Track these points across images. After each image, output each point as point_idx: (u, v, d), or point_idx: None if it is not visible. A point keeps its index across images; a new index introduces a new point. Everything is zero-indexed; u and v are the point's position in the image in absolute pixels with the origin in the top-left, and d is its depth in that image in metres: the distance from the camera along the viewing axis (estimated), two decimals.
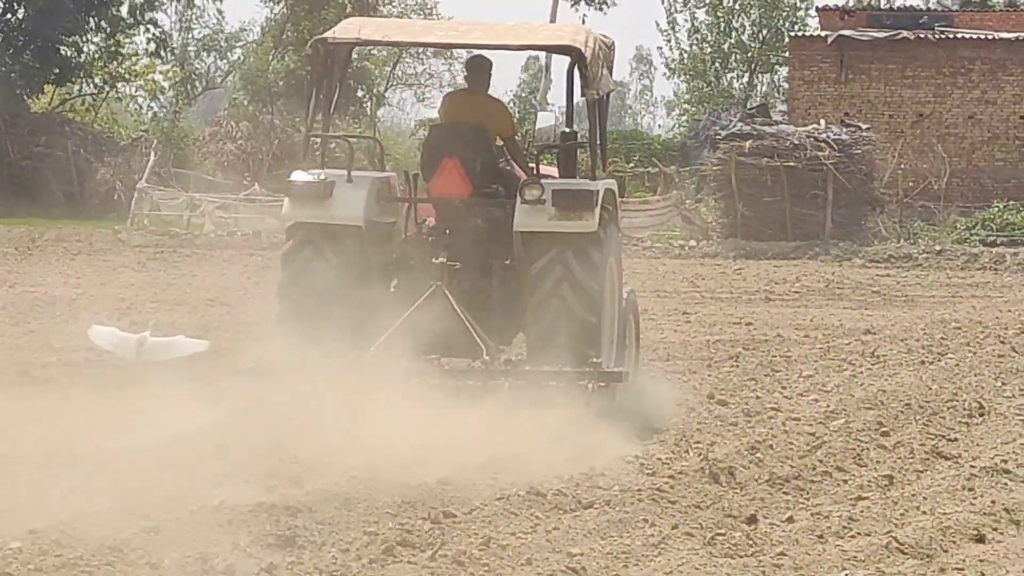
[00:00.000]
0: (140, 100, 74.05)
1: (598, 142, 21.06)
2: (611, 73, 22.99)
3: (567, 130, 21.90)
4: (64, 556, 11.74)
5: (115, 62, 73.94)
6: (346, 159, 21.49)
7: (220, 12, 76.64)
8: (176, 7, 74.21)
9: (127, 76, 74.43)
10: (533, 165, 20.27)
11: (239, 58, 73.82)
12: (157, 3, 73.94)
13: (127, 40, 73.99)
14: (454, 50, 25.05)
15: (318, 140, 21.97)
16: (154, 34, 74.19)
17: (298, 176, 19.97)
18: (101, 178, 62.16)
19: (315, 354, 18.35)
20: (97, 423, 18.30)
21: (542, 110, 46.58)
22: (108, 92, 73.23)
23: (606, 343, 19.70)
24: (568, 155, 21.15)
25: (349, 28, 21.66)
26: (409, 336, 18.41)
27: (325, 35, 21.18)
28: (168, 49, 75.15)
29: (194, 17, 75.64)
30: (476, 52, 22.13)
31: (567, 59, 21.27)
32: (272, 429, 17.17)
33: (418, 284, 19.15)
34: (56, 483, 14.62)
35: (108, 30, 71.91)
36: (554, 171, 20.86)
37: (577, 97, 21.82)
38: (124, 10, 72.22)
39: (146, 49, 74.97)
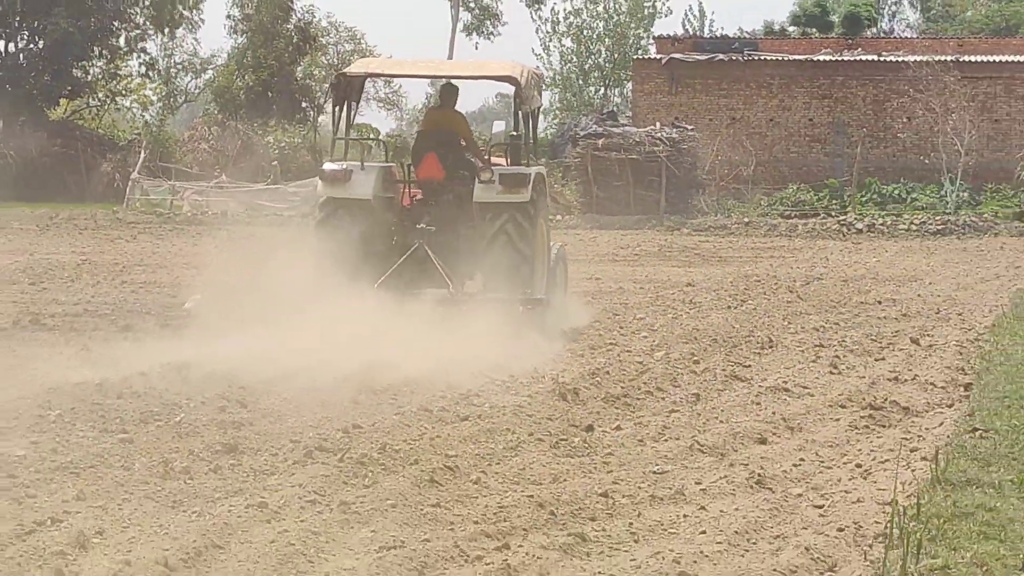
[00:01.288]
0: (134, 110, 73.32)
1: (531, 142, 23.71)
2: (540, 95, 25.68)
3: (513, 133, 24.32)
4: (59, 460, 11.65)
5: (114, 81, 73.31)
6: (359, 155, 25.83)
7: (196, 40, 75.92)
8: (161, 38, 73.29)
9: (124, 92, 73.92)
10: (488, 157, 22.70)
11: (211, 77, 73.04)
12: (147, 35, 73.14)
13: (124, 64, 73.27)
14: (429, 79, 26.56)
15: (340, 141, 23.76)
16: (144, 59, 73.47)
17: (328, 166, 22.40)
18: (103, 171, 61.77)
19: (335, 290, 19.75)
20: (87, 359, 18.67)
21: (497, 119, 47.55)
22: (109, 104, 72.64)
23: (537, 280, 21.73)
24: (513, 151, 23.11)
25: (361, 65, 26.36)
26: (401, 276, 20.81)
27: (345, 71, 24.02)
28: (155, 71, 74.45)
29: (175, 45, 74.75)
30: (446, 81, 24.57)
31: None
32: (228, 362, 17.52)
33: (408, 240, 21.41)
34: (51, 406, 14.56)
35: (108, 56, 71.26)
36: (503, 161, 22.79)
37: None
38: (122, 41, 71.55)
39: (139, 71, 74.35)
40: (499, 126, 26.21)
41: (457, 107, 23.79)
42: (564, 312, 22.78)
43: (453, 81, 23.99)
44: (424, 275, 21.12)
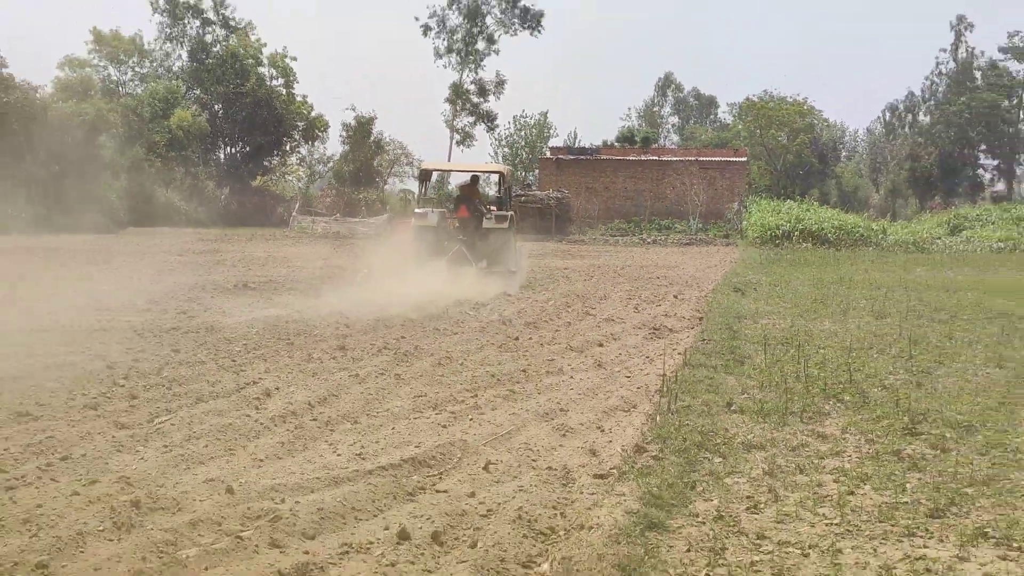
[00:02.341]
0: (294, 181, 72.60)
1: (508, 200, 24.94)
2: (510, 179, 26.78)
3: (499, 197, 25.76)
4: (252, 352, 11.53)
5: (284, 167, 72.73)
6: (431, 204, 27.74)
7: (324, 146, 75.42)
8: (307, 146, 72.73)
9: (288, 171, 73.22)
10: (488, 207, 23.43)
11: (332, 165, 72.27)
12: (300, 143, 72.56)
13: (288, 157, 72.65)
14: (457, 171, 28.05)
15: (420, 204, 25.13)
16: (299, 155, 72.90)
17: (417, 210, 23.29)
18: (279, 212, 61.06)
19: (421, 266, 20.95)
20: (273, 303, 17.74)
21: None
22: (280, 178, 72.00)
23: (511, 263, 22.63)
24: (499, 204, 24.33)
25: (429, 164, 27.01)
26: (452, 260, 21.52)
27: (423, 166, 25.67)
28: (304, 161, 73.97)
29: (315, 148, 74.09)
30: (471, 172, 25.14)
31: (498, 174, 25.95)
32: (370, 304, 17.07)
33: (454, 244, 22.01)
34: (252, 325, 14.37)
35: (280, 154, 71.03)
36: (495, 208, 23.67)
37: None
38: (288, 147, 71.12)
39: (296, 161, 73.60)
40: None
41: (475, 182, 24.56)
42: (522, 278, 23.24)
43: (474, 173, 24.94)
44: (462, 259, 21.82)
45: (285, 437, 7.77)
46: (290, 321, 14.97)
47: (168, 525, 5.70)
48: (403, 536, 5.60)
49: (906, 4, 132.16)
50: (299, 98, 69.72)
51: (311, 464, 7.05)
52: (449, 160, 65.31)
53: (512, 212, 24.19)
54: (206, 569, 5.13)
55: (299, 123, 69.98)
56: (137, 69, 70.73)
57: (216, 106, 68.03)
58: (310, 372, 10.57)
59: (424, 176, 25.37)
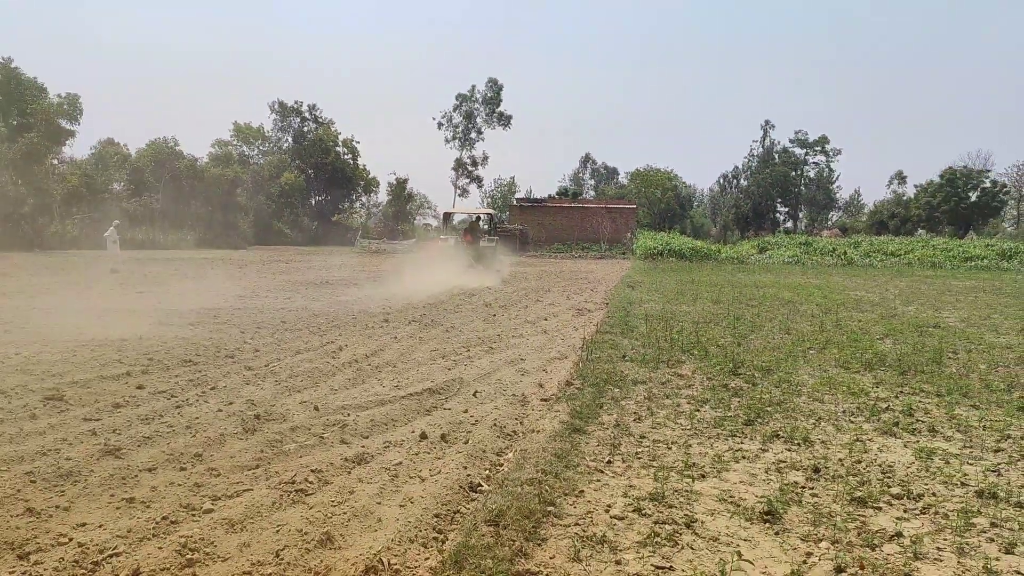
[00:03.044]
0: (357, 219, 71.71)
1: (494, 231, 26.23)
2: (494, 218, 28.27)
3: (489, 228, 26.24)
4: (313, 323, 11.17)
5: (351, 210, 71.59)
6: (448, 232, 28.90)
7: (376, 197, 73.96)
8: (365, 198, 71.45)
9: (353, 212, 72.07)
10: (485, 235, 24.55)
11: (380, 208, 71.08)
12: (361, 194, 71.14)
13: (354, 202, 71.50)
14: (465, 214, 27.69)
15: (444, 233, 27.97)
16: (361, 203, 71.52)
17: (442, 237, 25.02)
18: (348, 237, 60.40)
19: (444, 268, 21.57)
20: (314, 298, 17.17)
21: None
22: (348, 215, 70.83)
23: (497, 265, 23.29)
24: (490, 233, 25.45)
25: (450, 209, 29.79)
26: (465, 265, 22.01)
27: (445, 212, 26.88)
28: (364, 206, 72.58)
29: (369, 200, 72.84)
30: (476, 214, 26.57)
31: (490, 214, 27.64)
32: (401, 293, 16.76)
33: (465, 257, 22.59)
34: (307, 311, 14.03)
35: (349, 201, 69.56)
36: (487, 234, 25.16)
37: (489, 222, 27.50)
38: (353, 197, 69.87)
39: (358, 208, 72.26)
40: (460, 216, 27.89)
41: (476, 220, 25.89)
42: (503, 276, 23.03)
43: (476, 214, 26.81)
44: (469, 265, 22.26)
45: (351, 375, 7.72)
46: (352, 304, 14.86)
47: (277, 430, 5.68)
48: (423, 436, 5.60)
49: (733, 110, 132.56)
50: (361, 166, 69.82)
51: (366, 393, 7.01)
52: (454, 206, 65.05)
53: (497, 238, 25.47)
54: (301, 457, 5.11)
55: (360, 182, 69.92)
56: (260, 147, 70.72)
57: (309, 171, 67.96)
58: (367, 335, 10.50)
59: (446, 217, 27.92)
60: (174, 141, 56.39)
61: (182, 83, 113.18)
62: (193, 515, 4.21)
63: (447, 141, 73.16)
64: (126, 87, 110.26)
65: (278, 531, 4.04)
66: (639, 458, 5.13)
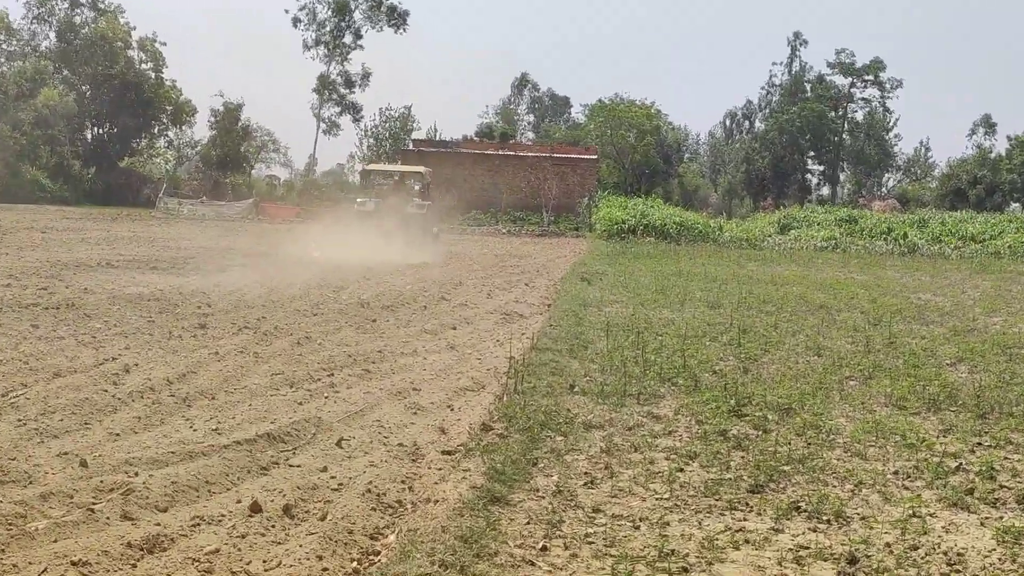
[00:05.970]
0: (160, 163, 70.23)
1: (427, 194, 30.09)
2: (428, 177, 31.15)
3: (421, 191, 30.11)
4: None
5: (151, 149, 70.36)
6: (369, 193, 30.77)
7: (192, 130, 72.57)
8: (175, 129, 70.20)
9: (155, 154, 70.76)
10: (415, 199, 28.74)
11: (200, 148, 69.96)
12: (168, 127, 70.08)
13: (156, 140, 70.18)
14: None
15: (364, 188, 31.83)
16: (167, 140, 70.28)
17: (359, 199, 28.96)
18: (145, 193, 59.34)
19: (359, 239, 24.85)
20: (140, 282, 17.18)
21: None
22: (147, 160, 69.59)
23: (433, 231, 28.42)
24: (422, 199, 29.33)
25: (370, 165, 34.59)
26: (384, 236, 25.15)
27: (365, 167, 33.74)
28: (172, 145, 71.42)
29: (183, 132, 71.62)
30: (402, 172, 31.50)
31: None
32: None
33: (385, 229, 25.60)
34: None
35: (148, 136, 68.55)
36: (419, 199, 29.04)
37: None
38: (156, 130, 68.70)
39: (164, 144, 70.94)
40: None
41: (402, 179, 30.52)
42: (442, 251, 28.34)
43: (405, 170, 31.57)
44: (399, 236, 25.51)
45: (141, 412, 7.59)
46: (151, 299, 14.50)
47: (18, 498, 5.50)
48: (255, 509, 5.52)
49: (748, 17, 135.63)
50: (168, 82, 67.99)
51: (167, 439, 6.89)
52: (315, 146, 64.43)
53: (429, 202, 29.41)
54: (55, 541, 4.96)
55: (167, 107, 68.20)
56: (5, 47, 68.00)
57: (84, 87, 65.90)
58: (170, 349, 10.28)
59: (365, 175, 33.20)
60: None
61: None
62: None
63: (307, 48, 72.44)
64: None
65: None
66: (590, 543, 5.15)
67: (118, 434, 6.96)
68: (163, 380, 8.64)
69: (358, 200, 29.51)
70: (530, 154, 59.10)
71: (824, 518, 5.64)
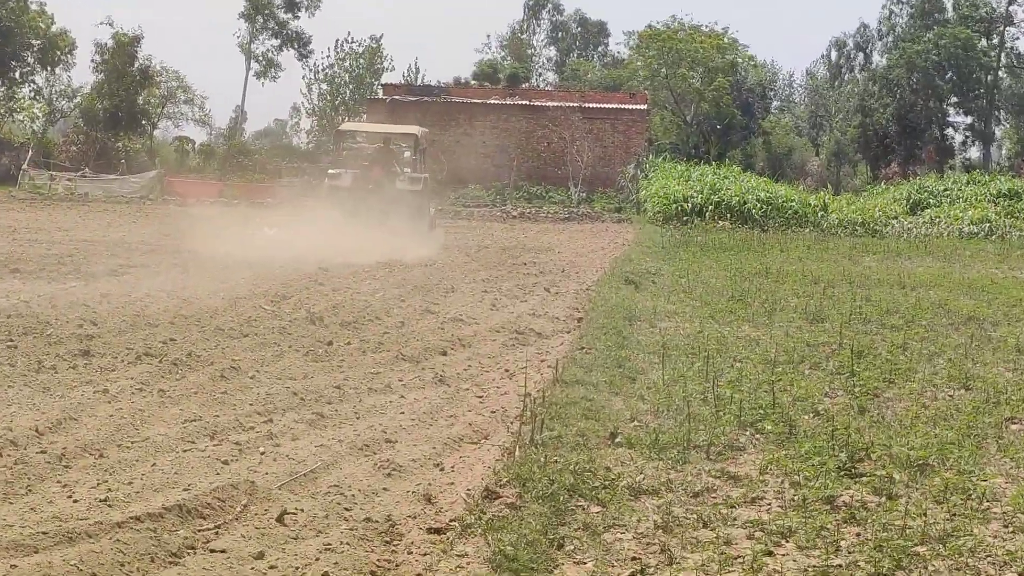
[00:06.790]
0: (25, 122, 70.35)
1: (423, 164, 31.92)
2: (424, 141, 33.14)
3: (414, 159, 31.62)
4: None
5: (12, 101, 70.38)
6: (344, 162, 31.99)
7: (69, 76, 72.61)
8: (45, 73, 70.38)
9: (18, 109, 70.78)
10: (407, 170, 30.62)
11: (79, 101, 70.19)
12: (35, 71, 70.30)
13: (19, 89, 70.32)
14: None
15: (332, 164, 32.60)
16: (33, 87, 70.34)
17: (331, 171, 30.53)
18: (4, 164, 59.35)
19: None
20: None
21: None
22: (7, 117, 69.66)
23: (428, 215, 30.36)
24: (416, 169, 31.13)
25: (345, 126, 37.42)
26: (362, 220, 26.65)
27: (340, 128, 35.49)
28: (40, 95, 71.51)
29: (55, 78, 71.76)
30: (389, 135, 32.84)
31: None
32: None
33: (364, 210, 27.16)
34: None
35: (8, 84, 68.61)
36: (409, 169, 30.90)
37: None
38: (17, 74, 68.83)
39: (29, 95, 71.07)
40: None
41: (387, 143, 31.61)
42: (439, 240, 30.47)
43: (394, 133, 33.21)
44: (380, 220, 27.13)
45: (1, 476, 7.57)
46: (12, 315, 14.53)
47: None
48: None
49: None
50: (34, 7, 68.43)
51: (35, 513, 6.86)
52: (244, 94, 64.45)
53: (426, 175, 31.26)
54: None
55: (34, 41, 68.53)
56: None
57: None
58: (39, 387, 10.31)
59: (339, 137, 34.54)
60: None
61: None
62: None
63: None
64: None
65: None
66: None
67: None
68: (30, 431, 8.63)
69: (330, 172, 30.64)
70: (551, 103, 59.09)
71: None
